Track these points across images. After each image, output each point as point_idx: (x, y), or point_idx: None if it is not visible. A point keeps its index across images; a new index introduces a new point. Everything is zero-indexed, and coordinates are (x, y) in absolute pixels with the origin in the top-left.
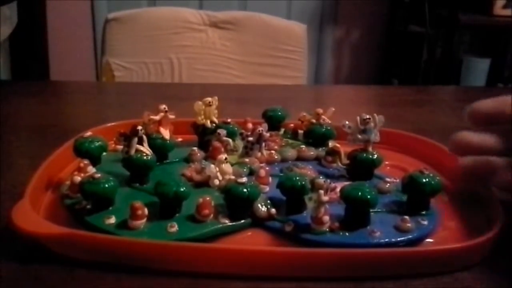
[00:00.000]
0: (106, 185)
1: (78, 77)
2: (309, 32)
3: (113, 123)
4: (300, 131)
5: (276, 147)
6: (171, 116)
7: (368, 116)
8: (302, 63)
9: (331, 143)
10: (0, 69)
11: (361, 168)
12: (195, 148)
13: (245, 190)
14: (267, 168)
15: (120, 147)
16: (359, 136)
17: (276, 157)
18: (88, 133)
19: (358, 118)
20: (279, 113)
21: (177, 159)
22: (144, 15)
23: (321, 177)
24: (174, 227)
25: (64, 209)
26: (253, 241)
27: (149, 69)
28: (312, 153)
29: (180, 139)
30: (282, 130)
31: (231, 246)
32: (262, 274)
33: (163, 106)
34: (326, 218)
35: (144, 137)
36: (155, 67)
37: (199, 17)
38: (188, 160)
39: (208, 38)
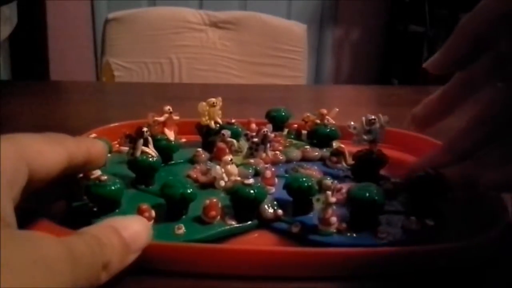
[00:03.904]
0: (113, 188)
1: (78, 77)
2: (309, 32)
3: (116, 124)
4: (304, 132)
5: (280, 147)
6: (176, 117)
7: (373, 117)
8: (302, 63)
9: (335, 144)
10: (0, 69)
11: (366, 168)
12: (199, 149)
13: (252, 191)
14: (272, 169)
15: (124, 148)
16: (365, 137)
17: (281, 157)
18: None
19: (363, 118)
20: (283, 114)
21: (182, 160)
22: (144, 15)
23: (328, 178)
24: (181, 229)
25: (70, 210)
26: (259, 242)
27: (149, 69)
28: (316, 153)
29: (184, 140)
30: (286, 130)
31: (234, 246)
32: (262, 274)
33: (167, 107)
34: (334, 219)
35: (150, 139)
36: (155, 67)
37: (199, 17)
38: (192, 161)
39: (208, 38)
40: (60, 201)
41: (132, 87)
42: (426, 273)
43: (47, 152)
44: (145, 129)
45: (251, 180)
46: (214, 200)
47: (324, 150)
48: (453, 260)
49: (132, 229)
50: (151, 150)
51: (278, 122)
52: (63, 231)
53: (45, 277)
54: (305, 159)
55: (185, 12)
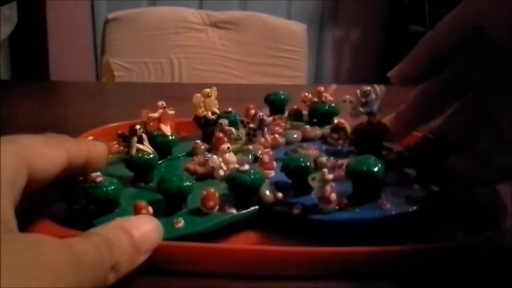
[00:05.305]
0: (109, 188)
1: (78, 77)
2: (309, 32)
3: (115, 124)
4: (305, 112)
5: (280, 130)
6: (171, 112)
7: (368, 88)
8: (302, 63)
9: (336, 120)
10: (0, 69)
11: (367, 141)
12: (198, 141)
13: (248, 177)
14: (270, 153)
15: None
16: (361, 109)
17: (281, 140)
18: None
19: (358, 91)
20: (282, 97)
21: (181, 154)
22: (144, 15)
23: (324, 156)
24: (180, 223)
25: (70, 213)
26: (259, 242)
27: (149, 69)
28: (318, 132)
29: (184, 134)
30: (286, 113)
31: (234, 246)
32: (262, 273)
33: (160, 103)
34: (333, 196)
35: (144, 136)
36: (155, 67)
37: (199, 17)
38: (192, 153)
39: (208, 38)
40: (61, 202)
41: (132, 87)
42: (425, 272)
43: (47, 153)
44: (137, 126)
45: (246, 167)
46: (212, 190)
47: (326, 127)
48: (452, 260)
49: (143, 230)
50: (146, 147)
51: (277, 105)
52: (65, 232)
53: (47, 280)
54: (306, 139)
55: (185, 12)
